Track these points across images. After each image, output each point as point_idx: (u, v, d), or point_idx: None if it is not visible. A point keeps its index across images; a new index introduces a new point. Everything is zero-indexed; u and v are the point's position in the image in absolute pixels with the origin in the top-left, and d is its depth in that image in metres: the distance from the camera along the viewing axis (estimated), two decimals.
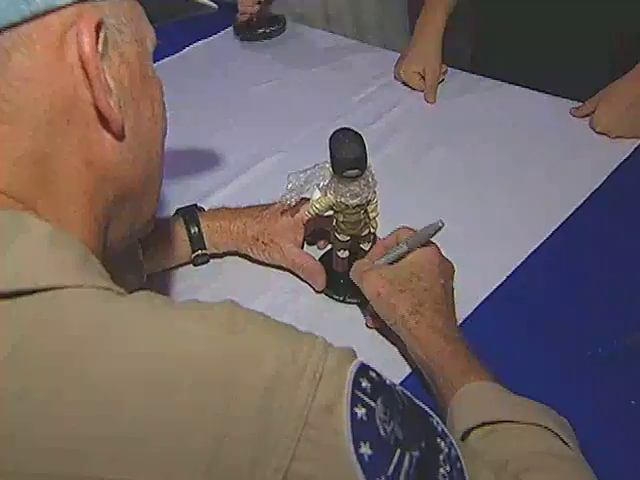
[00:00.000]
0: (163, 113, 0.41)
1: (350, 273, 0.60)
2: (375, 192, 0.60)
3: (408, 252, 0.57)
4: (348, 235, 0.62)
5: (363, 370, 0.34)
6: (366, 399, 0.33)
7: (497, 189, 0.76)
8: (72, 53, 0.34)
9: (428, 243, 0.57)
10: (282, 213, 0.66)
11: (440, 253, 0.57)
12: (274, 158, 0.83)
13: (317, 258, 0.68)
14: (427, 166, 0.81)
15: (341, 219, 0.60)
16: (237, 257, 0.70)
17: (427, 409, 0.37)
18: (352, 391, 0.32)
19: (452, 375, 0.49)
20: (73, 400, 0.27)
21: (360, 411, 0.32)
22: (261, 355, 0.31)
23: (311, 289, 0.67)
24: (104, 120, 0.36)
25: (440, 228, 0.54)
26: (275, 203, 0.68)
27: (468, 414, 0.45)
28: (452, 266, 0.58)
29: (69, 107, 0.34)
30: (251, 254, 0.67)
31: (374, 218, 0.63)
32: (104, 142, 0.36)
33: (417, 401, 0.37)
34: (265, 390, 0.30)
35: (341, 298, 0.64)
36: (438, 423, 0.37)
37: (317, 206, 0.60)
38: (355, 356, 0.35)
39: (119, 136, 0.37)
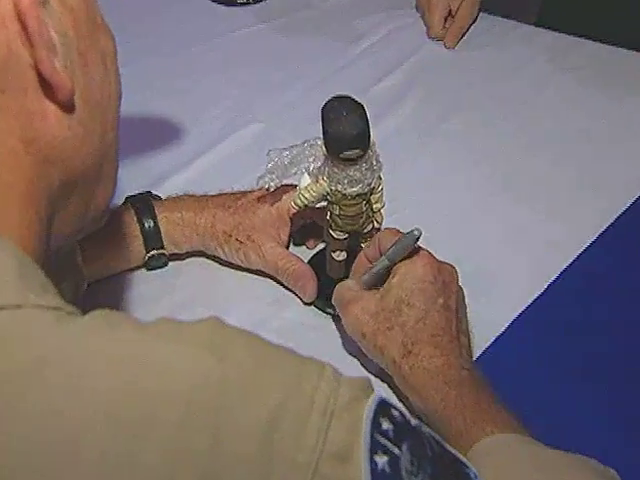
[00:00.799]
0: (117, 72, 0.40)
1: (333, 300, 0.60)
2: (380, 178, 0.60)
3: (392, 266, 0.57)
4: (346, 232, 0.62)
5: (383, 407, 0.35)
6: (389, 445, 0.33)
7: (532, 177, 0.77)
8: (4, 2, 0.33)
9: (416, 252, 0.57)
10: (261, 202, 0.66)
11: (433, 262, 0.57)
12: (248, 130, 0.84)
13: (306, 260, 0.68)
14: (445, 143, 0.82)
15: (337, 212, 0.61)
16: (204, 259, 0.70)
17: (461, 457, 0.38)
18: (371, 434, 0.33)
19: (461, 428, 0.49)
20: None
21: (381, 460, 0.32)
22: (258, 387, 0.31)
23: (298, 300, 0.67)
24: (47, 86, 0.35)
25: (418, 238, 0.54)
26: (252, 190, 0.68)
27: None
28: (454, 272, 0.58)
29: (1, 71, 0.33)
30: (222, 255, 0.68)
31: (379, 210, 0.63)
32: (47, 114, 0.35)
33: (448, 446, 0.38)
34: (264, 431, 0.30)
35: (336, 312, 0.63)
36: (476, 476, 0.37)
37: (306, 195, 0.61)
38: (372, 389, 0.36)
39: (67, 106, 0.36)
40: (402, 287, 0.57)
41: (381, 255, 0.59)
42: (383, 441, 0.33)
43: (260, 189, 0.67)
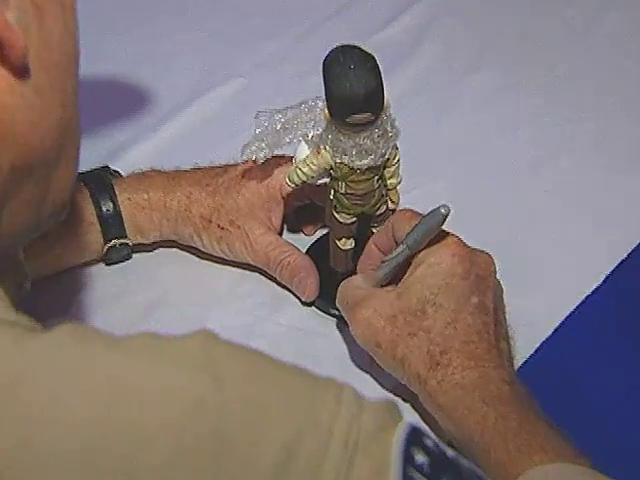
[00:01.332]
0: (77, 27, 0.40)
1: (337, 301, 0.60)
2: (396, 147, 0.60)
3: (413, 256, 0.57)
4: (354, 215, 0.62)
5: (415, 436, 0.35)
6: None
7: (585, 144, 0.78)
8: None
9: (442, 237, 0.57)
10: (247, 179, 0.67)
11: (464, 250, 0.57)
12: (227, 88, 0.83)
13: (304, 251, 0.69)
14: (476, 102, 0.81)
15: (343, 190, 0.60)
16: (177, 250, 0.70)
17: None
18: (403, 470, 0.33)
19: (503, 458, 0.49)
20: None
21: None
22: (264, 418, 0.32)
23: (296, 300, 0.67)
24: None
25: (445, 218, 0.54)
26: (236, 163, 0.68)
27: None
28: (491, 263, 0.58)
29: None
30: (199, 245, 0.68)
31: (394, 187, 0.63)
32: None
33: None
34: (273, 472, 0.31)
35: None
36: None
37: (304, 170, 0.60)
38: (399, 414, 0.37)
39: (20, 70, 0.36)
40: (426, 283, 0.56)
41: (397, 243, 0.59)
42: (418, 477, 0.34)
43: (246, 162, 0.67)
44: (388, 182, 0.62)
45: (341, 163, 0.59)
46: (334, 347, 0.64)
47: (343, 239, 0.64)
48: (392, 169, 0.61)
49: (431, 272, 0.56)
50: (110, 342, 0.32)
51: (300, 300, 0.67)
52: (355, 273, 0.63)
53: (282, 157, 0.67)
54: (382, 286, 0.60)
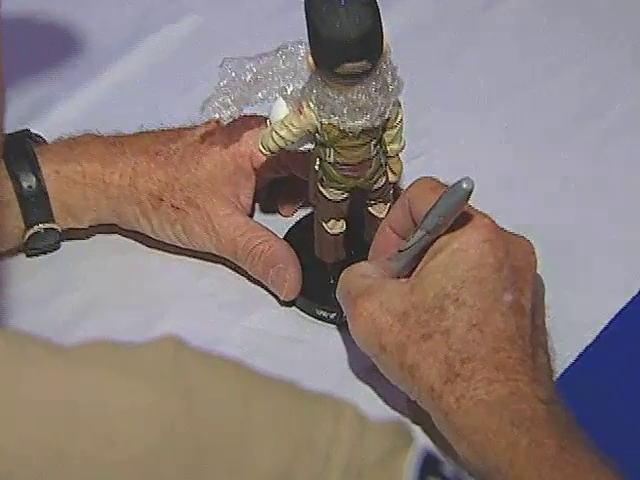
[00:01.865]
0: None
1: (338, 291, 0.61)
2: (398, 104, 0.60)
3: (432, 241, 0.57)
4: (345, 190, 0.62)
5: (431, 463, 0.36)
6: None
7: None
8: None
9: (467, 218, 0.57)
10: (209, 145, 0.66)
11: (497, 234, 0.57)
12: (179, 28, 0.82)
13: (282, 236, 0.68)
14: (495, 44, 0.80)
15: (331, 159, 0.60)
16: (119, 237, 0.69)
17: None
18: None
19: None
20: None
21: None
22: (248, 443, 0.33)
23: (272, 298, 0.67)
24: None
25: (469, 192, 0.54)
26: (194, 126, 0.67)
27: None
28: (530, 250, 0.59)
29: None
30: (147, 230, 0.68)
31: (396, 154, 0.63)
32: None
33: None
34: None
35: (331, 315, 0.65)
36: None
37: (282, 133, 0.60)
38: (410, 436, 0.37)
39: None
40: (447, 274, 0.56)
41: (416, 223, 0.59)
42: None
43: (207, 123, 0.66)
44: (388, 148, 0.62)
45: (329, 125, 0.58)
46: (321, 357, 0.64)
47: (332, 221, 0.64)
48: (393, 132, 0.61)
49: (454, 261, 0.56)
50: (53, 352, 0.34)
51: (277, 299, 0.67)
52: (347, 264, 0.62)
53: (253, 117, 0.66)
54: (399, 277, 0.60)
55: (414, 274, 0.58)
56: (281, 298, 0.66)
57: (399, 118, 0.60)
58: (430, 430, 0.58)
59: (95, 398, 0.33)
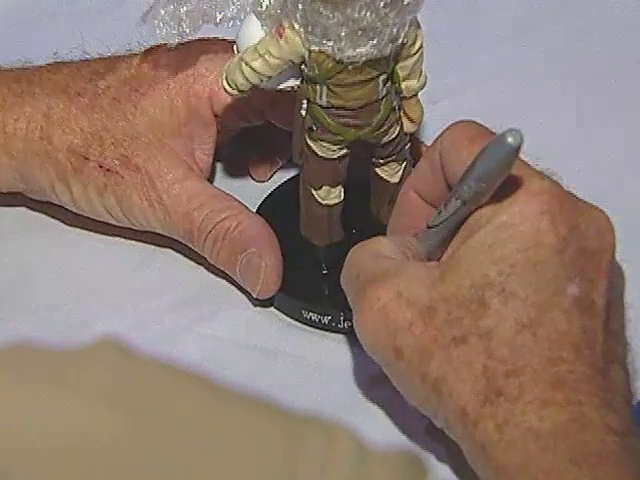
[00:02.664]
0: None
1: (343, 274, 0.61)
2: (418, 26, 0.60)
3: (470, 214, 0.58)
4: (343, 144, 0.62)
5: None
6: None
7: None
8: None
9: (521, 180, 0.57)
10: (152, 82, 0.67)
11: (562, 203, 0.57)
12: None
13: (255, 209, 0.69)
14: None
15: (324, 101, 0.60)
16: (27, 210, 0.71)
17: None
18: None
19: None
20: None
21: None
22: (210, 476, 0.35)
23: (243, 296, 0.68)
24: None
25: (517, 149, 0.53)
26: (131, 54, 0.68)
27: None
28: (607, 227, 0.58)
29: None
30: (67, 201, 0.68)
31: (414, 95, 0.63)
32: None
33: None
34: None
35: (324, 319, 0.66)
36: None
37: (255, 64, 0.60)
38: (424, 469, 0.40)
39: None
40: (490, 256, 0.56)
41: (450, 188, 0.58)
42: None
43: (149, 49, 0.67)
44: (403, 86, 0.61)
45: (321, 53, 0.58)
46: (307, 374, 0.65)
47: (324, 188, 0.64)
48: (410, 63, 0.61)
49: (501, 239, 0.56)
50: None
51: (249, 297, 0.67)
52: (345, 249, 0.62)
53: (214, 41, 0.66)
54: (429, 259, 0.60)
55: (446, 256, 0.58)
56: (254, 295, 0.66)
57: (418, 44, 0.60)
58: (455, 466, 0.59)
59: (19, 414, 0.35)
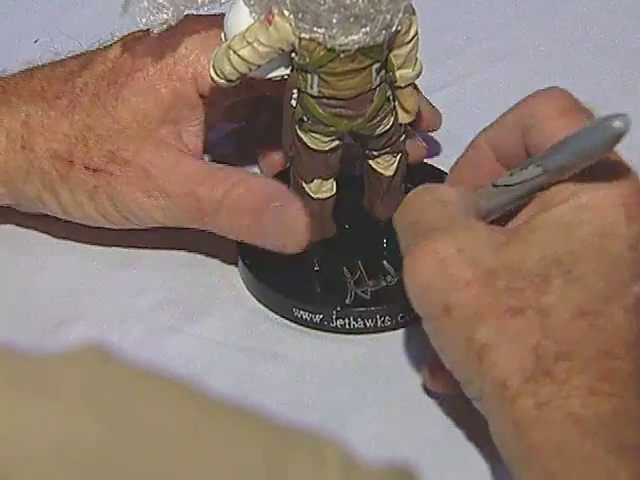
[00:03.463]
0: None
1: (396, 216, 0.60)
2: (412, 12, 0.59)
3: (547, 185, 0.57)
4: (335, 136, 0.62)
5: None
6: None
7: None
8: None
9: (607, 166, 0.57)
10: (134, 71, 0.66)
11: (635, 204, 0.57)
12: None
13: None
14: None
15: (315, 90, 0.60)
16: (14, 228, 0.71)
17: None
18: None
19: None
20: None
21: None
22: None
23: (230, 295, 0.67)
24: None
25: (621, 135, 0.53)
26: (107, 46, 0.68)
27: None
28: None
29: None
30: (56, 211, 0.68)
31: (409, 84, 0.62)
32: None
33: None
34: None
35: (316, 317, 0.65)
36: None
37: (242, 52, 0.59)
38: None
39: None
40: (566, 233, 0.56)
41: (528, 153, 0.59)
42: None
43: (125, 38, 0.66)
44: (397, 75, 0.61)
45: (311, 41, 0.58)
46: (299, 377, 0.65)
47: (316, 181, 0.64)
48: (404, 51, 0.60)
49: (579, 218, 0.56)
50: None
51: (238, 297, 0.67)
52: (338, 247, 0.65)
53: (198, 19, 0.66)
54: (489, 219, 0.60)
55: (514, 222, 0.59)
56: (287, 250, 0.64)
57: (413, 31, 0.60)
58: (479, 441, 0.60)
59: None
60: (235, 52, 0.59)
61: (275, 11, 0.58)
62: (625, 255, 0.56)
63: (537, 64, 0.80)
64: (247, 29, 0.59)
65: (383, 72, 0.60)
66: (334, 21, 0.56)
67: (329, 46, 0.57)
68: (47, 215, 0.68)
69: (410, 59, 0.60)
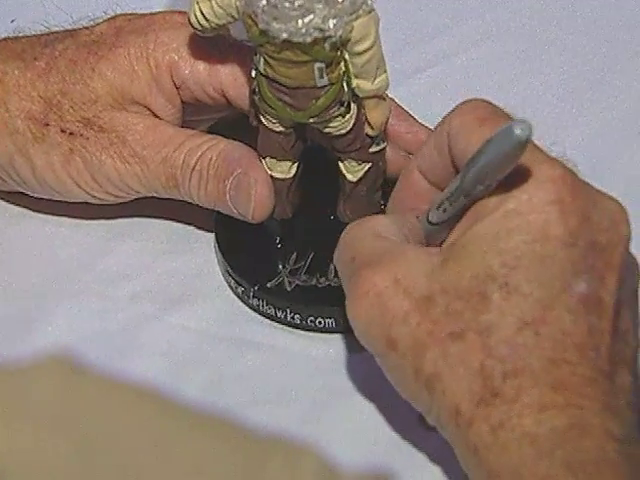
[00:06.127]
0: None
1: (336, 254, 0.61)
2: (375, 20, 0.59)
3: (472, 202, 0.57)
4: (282, 122, 0.63)
5: None
6: None
7: None
8: None
9: (532, 165, 0.56)
10: (110, 44, 0.67)
11: (575, 193, 0.56)
12: None
13: None
14: None
15: (262, 69, 0.61)
16: None
17: None
18: None
19: None
20: None
21: None
22: None
23: (214, 285, 0.68)
24: None
25: (525, 143, 0.53)
26: (96, 23, 0.68)
27: None
28: (621, 218, 0.58)
29: None
30: (28, 175, 0.67)
31: (369, 96, 0.62)
32: None
33: None
34: None
35: (246, 291, 0.66)
36: None
37: (203, 6, 0.61)
38: None
39: None
40: (495, 246, 0.56)
41: (457, 170, 0.58)
42: None
43: (113, 17, 0.68)
44: (354, 83, 0.61)
45: (249, 17, 0.58)
46: (279, 362, 0.65)
47: (269, 159, 0.64)
48: (358, 61, 0.60)
49: (507, 228, 0.55)
50: None
51: (219, 284, 0.67)
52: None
53: (178, 13, 0.67)
54: (429, 243, 0.60)
55: (448, 242, 0.58)
56: (250, 219, 0.65)
57: (367, 44, 0.59)
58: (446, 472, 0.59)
59: None
60: (197, 4, 0.60)
61: None
62: (562, 255, 0.55)
63: (523, 44, 0.79)
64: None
65: (334, 74, 0.60)
66: (261, 6, 0.57)
67: (261, 28, 0.57)
68: (22, 195, 0.69)
69: (367, 71, 0.60)
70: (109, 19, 0.67)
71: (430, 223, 0.59)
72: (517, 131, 0.52)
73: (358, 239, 0.59)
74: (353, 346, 0.65)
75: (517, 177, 0.55)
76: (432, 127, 0.66)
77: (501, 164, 0.54)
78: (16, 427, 0.36)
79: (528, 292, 0.55)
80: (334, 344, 0.66)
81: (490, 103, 0.58)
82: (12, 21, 0.71)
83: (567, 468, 0.52)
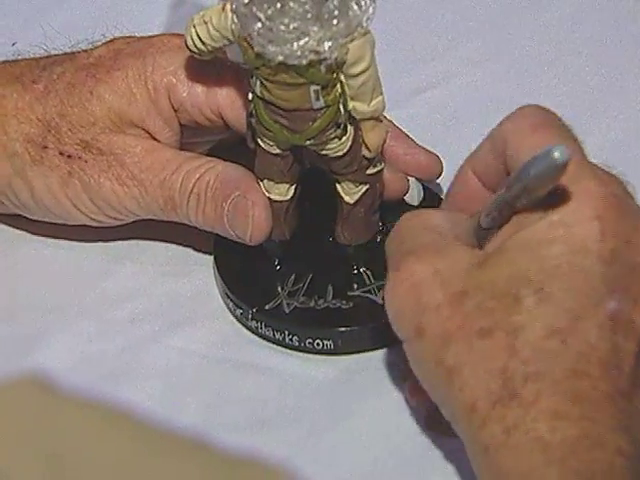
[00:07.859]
0: None
1: (388, 239, 0.61)
2: (371, 42, 0.59)
3: (514, 213, 0.58)
4: (279, 144, 0.62)
5: None
6: None
7: None
8: None
9: (576, 181, 0.57)
10: (108, 67, 0.67)
11: (618, 213, 0.57)
12: None
13: None
14: None
15: (259, 91, 0.60)
16: None
17: None
18: None
19: None
20: None
21: None
22: None
23: (213, 308, 0.67)
24: None
25: (563, 167, 0.53)
26: (95, 46, 0.68)
27: None
28: None
29: None
30: (26, 198, 0.67)
31: (370, 119, 0.62)
32: None
33: None
34: None
35: (245, 313, 0.66)
36: None
37: (199, 29, 0.61)
38: None
39: None
40: (535, 253, 0.56)
41: (509, 173, 0.60)
42: None
43: (111, 40, 0.68)
44: (351, 106, 0.61)
45: (244, 40, 0.59)
46: (278, 385, 0.65)
47: (267, 181, 0.64)
48: (354, 83, 0.60)
49: (549, 237, 0.56)
50: None
51: (221, 308, 0.67)
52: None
53: (177, 35, 0.67)
54: (479, 243, 0.60)
55: (490, 244, 0.58)
56: (248, 241, 0.65)
57: (362, 67, 0.59)
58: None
59: None
60: (194, 27, 0.60)
61: (228, 2, 0.59)
62: (598, 270, 0.56)
63: (523, 65, 0.80)
64: (207, 10, 0.61)
65: (333, 96, 0.60)
66: (257, 29, 0.57)
67: (256, 51, 0.57)
68: (21, 217, 0.69)
69: (363, 93, 0.60)
70: (107, 42, 0.68)
71: (480, 227, 0.59)
72: (555, 154, 0.52)
73: (409, 228, 0.60)
74: (351, 368, 0.65)
75: (564, 191, 0.56)
76: (431, 149, 0.69)
77: (541, 183, 0.55)
78: None
79: (561, 301, 0.55)
80: (332, 366, 0.66)
81: (547, 110, 0.59)
82: (13, 44, 0.71)
83: (577, 476, 0.52)
